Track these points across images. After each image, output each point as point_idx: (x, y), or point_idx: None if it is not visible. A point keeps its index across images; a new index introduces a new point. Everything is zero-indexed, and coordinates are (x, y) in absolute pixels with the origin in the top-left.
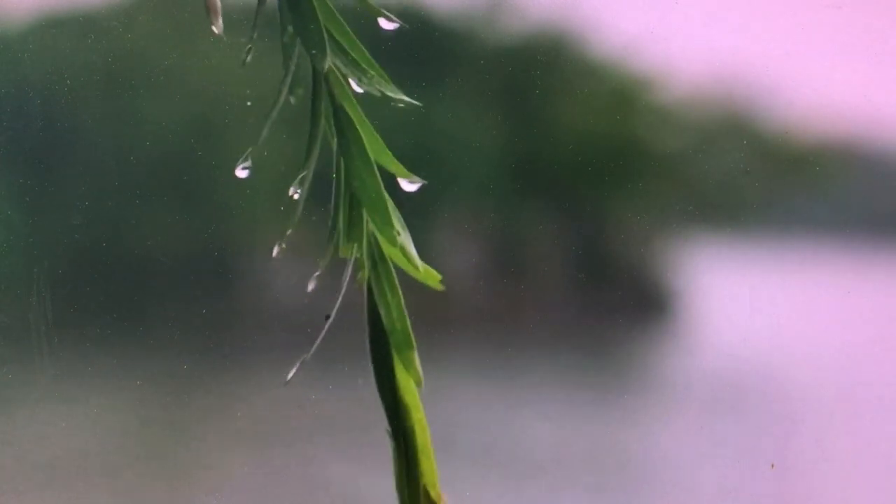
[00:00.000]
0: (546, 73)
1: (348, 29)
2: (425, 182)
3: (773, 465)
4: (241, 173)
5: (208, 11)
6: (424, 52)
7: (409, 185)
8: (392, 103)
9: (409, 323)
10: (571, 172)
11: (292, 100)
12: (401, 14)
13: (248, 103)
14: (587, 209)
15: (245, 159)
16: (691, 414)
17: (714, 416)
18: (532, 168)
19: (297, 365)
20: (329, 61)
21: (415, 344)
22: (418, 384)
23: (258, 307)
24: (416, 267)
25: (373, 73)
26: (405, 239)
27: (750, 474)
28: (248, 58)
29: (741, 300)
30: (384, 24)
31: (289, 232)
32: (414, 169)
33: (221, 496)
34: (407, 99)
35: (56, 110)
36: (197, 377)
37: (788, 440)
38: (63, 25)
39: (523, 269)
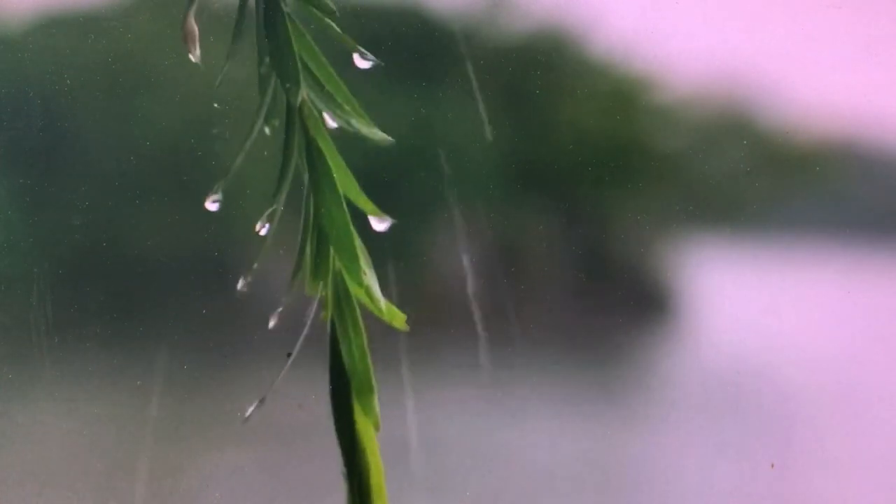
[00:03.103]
0: (546, 73)
1: (325, 61)
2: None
3: (773, 465)
4: (212, 206)
5: (185, 39)
6: (424, 52)
7: (378, 224)
8: (365, 140)
9: (370, 365)
10: (571, 172)
11: (267, 130)
12: (401, 14)
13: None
14: (587, 209)
15: (216, 191)
16: (691, 414)
17: (714, 416)
18: (532, 168)
19: (256, 403)
20: (303, 94)
21: (375, 388)
22: (376, 428)
23: (258, 307)
24: (379, 308)
25: (348, 107)
26: (371, 279)
27: (750, 474)
28: (218, 84)
29: (741, 300)
30: (359, 61)
31: (255, 266)
32: (413, 169)
33: (221, 496)
34: (381, 134)
35: (56, 110)
36: (197, 377)
37: (788, 440)
38: (63, 25)
39: (523, 269)
